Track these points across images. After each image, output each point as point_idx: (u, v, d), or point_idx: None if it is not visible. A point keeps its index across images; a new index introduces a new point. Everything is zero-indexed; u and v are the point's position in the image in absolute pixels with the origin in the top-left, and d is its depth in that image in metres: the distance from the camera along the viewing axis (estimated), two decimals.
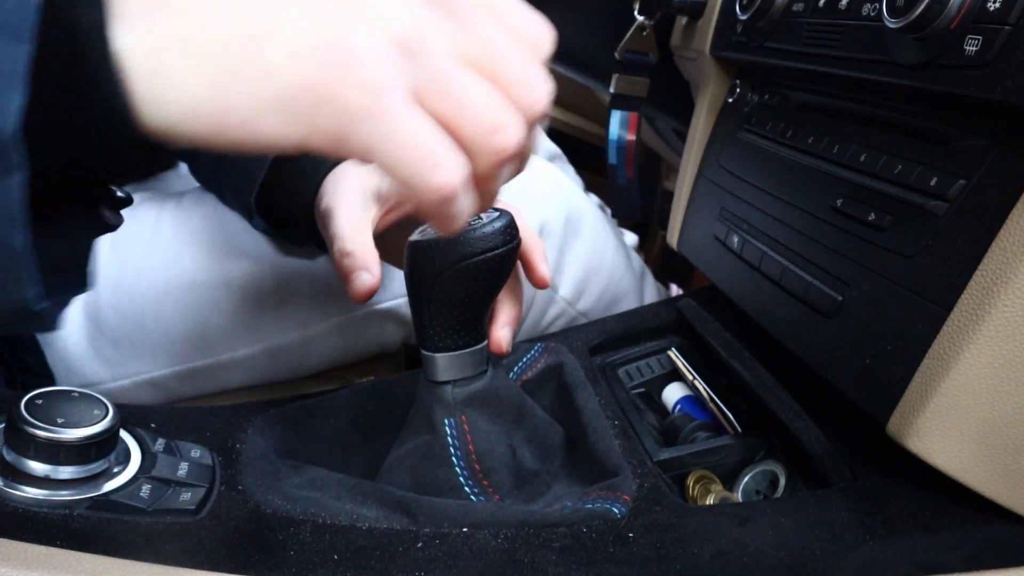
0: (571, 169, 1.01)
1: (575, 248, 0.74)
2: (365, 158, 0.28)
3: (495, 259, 0.40)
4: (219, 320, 0.62)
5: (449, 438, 0.43)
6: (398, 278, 0.65)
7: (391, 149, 0.28)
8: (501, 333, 0.48)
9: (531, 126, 0.31)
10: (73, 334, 0.61)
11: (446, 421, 0.43)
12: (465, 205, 0.30)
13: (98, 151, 0.27)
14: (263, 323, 0.63)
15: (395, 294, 0.67)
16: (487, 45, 0.30)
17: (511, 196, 0.64)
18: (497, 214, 0.42)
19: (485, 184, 0.31)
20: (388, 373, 0.72)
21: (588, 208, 0.77)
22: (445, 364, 0.43)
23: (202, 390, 0.65)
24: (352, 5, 0.27)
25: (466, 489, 0.43)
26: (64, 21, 0.25)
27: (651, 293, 0.84)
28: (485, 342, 0.44)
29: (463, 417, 0.43)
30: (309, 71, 0.27)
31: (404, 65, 0.28)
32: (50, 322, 0.28)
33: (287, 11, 0.27)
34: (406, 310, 0.67)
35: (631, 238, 1.15)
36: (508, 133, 0.29)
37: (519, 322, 0.67)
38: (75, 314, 0.61)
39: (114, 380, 0.62)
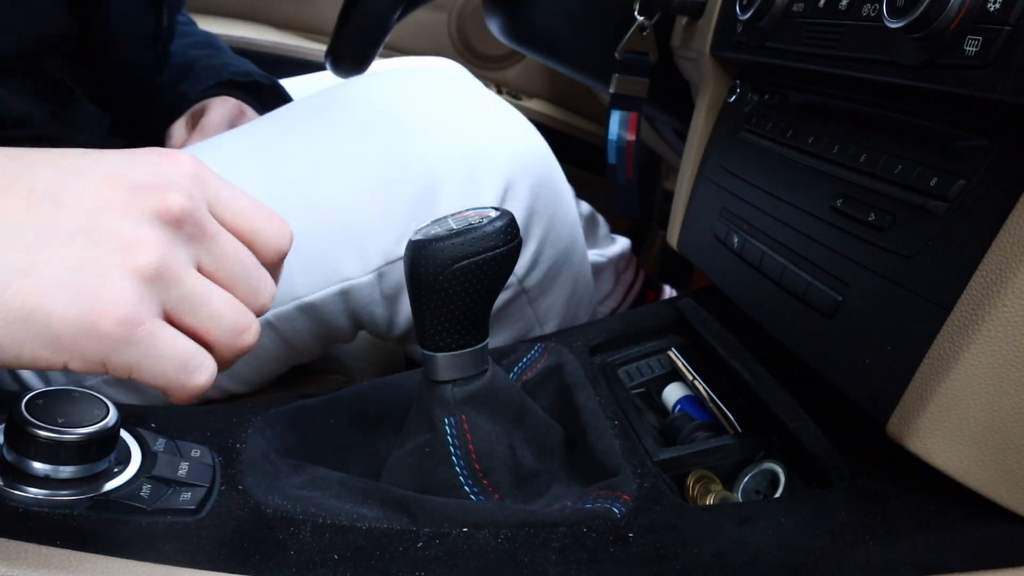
0: None
1: (542, 220, 0.65)
2: (129, 376, 0.33)
3: (495, 259, 0.40)
4: None
5: (449, 437, 0.43)
6: (366, 249, 0.59)
7: (150, 365, 0.32)
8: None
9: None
10: None
11: (446, 420, 0.43)
12: (214, 387, 0.38)
13: None
14: None
15: (352, 274, 0.61)
16: (227, 262, 0.35)
17: (472, 146, 0.61)
18: (497, 214, 0.42)
19: (224, 368, 0.37)
20: (388, 373, 0.72)
21: (557, 166, 0.68)
22: (445, 364, 0.43)
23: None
24: (102, 245, 0.31)
25: (466, 488, 0.43)
26: None
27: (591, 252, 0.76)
28: (485, 342, 0.44)
29: (463, 416, 0.43)
30: (66, 308, 0.30)
31: (153, 293, 0.32)
32: None
33: (46, 252, 0.31)
34: (370, 289, 0.61)
35: (623, 243, 1.13)
36: (251, 333, 0.36)
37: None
38: None
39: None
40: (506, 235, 0.41)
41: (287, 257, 0.42)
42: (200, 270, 0.35)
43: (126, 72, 0.71)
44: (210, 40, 0.93)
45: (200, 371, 0.34)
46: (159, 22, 0.75)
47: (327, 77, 0.87)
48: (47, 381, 0.60)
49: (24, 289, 0.30)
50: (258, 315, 0.37)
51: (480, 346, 0.43)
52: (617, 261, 1.08)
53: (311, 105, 0.66)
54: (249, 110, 0.81)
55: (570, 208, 0.69)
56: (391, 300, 0.63)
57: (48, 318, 0.30)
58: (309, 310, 0.61)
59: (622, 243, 1.12)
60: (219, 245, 0.35)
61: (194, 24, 0.97)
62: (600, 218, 1.11)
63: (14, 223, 0.31)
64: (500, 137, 0.63)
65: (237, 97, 0.82)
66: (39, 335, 0.30)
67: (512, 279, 0.66)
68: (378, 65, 1.03)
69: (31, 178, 0.32)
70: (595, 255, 1.05)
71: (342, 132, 0.62)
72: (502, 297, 0.67)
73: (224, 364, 0.36)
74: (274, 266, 0.39)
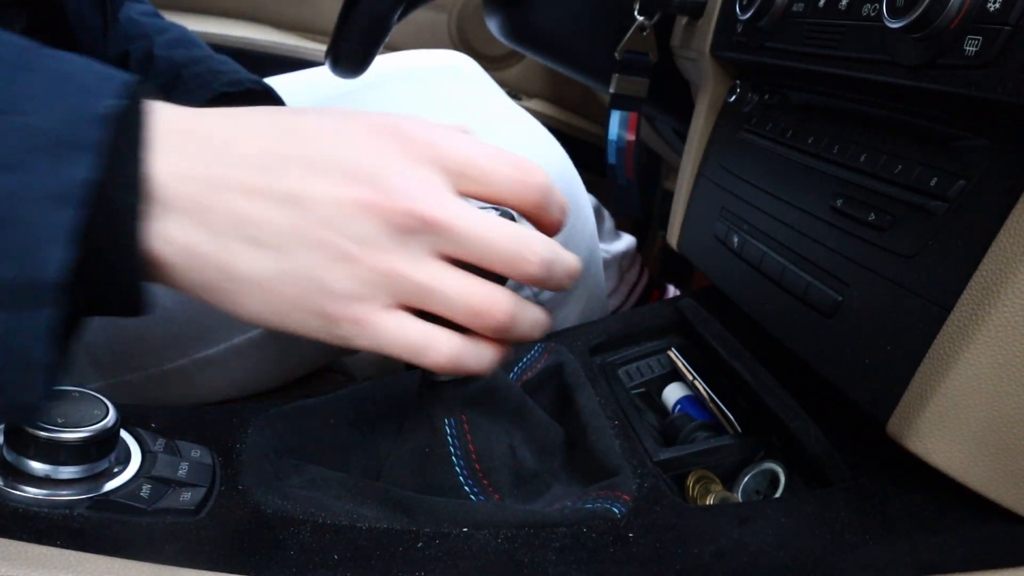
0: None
1: (560, 236, 0.64)
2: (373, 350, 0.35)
3: None
4: (136, 332, 0.59)
5: (449, 437, 0.43)
6: None
7: (382, 344, 0.34)
8: None
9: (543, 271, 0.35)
10: None
11: (446, 421, 0.43)
12: (475, 358, 0.36)
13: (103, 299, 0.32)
14: (182, 336, 0.60)
15: None
16: (465, 244, 0.34)
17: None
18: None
19: (511, 332, 0.36)
20: (388, 373, 0.72)
21: (576, 178, 0.69)
22: None
23: (160, 399, 0.62)
24: (335, 244, 0.33)
25: (466, 489, 0.43)
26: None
27: (603, 262, 0.78)
28: None
29: (463, 417, 0.43)
30: (301, 297, 0.33)
31: (381, 287, 0.33)
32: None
33: (295, 258, 0.33)
34: None
35: (628, 240, 1.13)
36: (495, 311, 0.34)
37: None
38: None
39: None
40: None
41: None
42: (444, 256, 0.34)
43: (83, 34, 0.69)
44: (185, 36, 0.90)
45: (430, 349, 0.34)
46: None
47: (322, 73, 0.86)
48: None
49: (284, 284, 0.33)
50: (529, 280, 0.35)
51: None
52: (621, 259, 1.08)
53: None
54: None
55: (588, 221, 0.69)
56: None
57: (282, 301, 0.33)
58: None
59: (627, 240, 1.11)
60: (459, 227, 0.34)
61: (159, 16, 0.95)
62: (606, 212, 1.10)
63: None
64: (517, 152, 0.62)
65: None
66: (278, 309, 0.33)
67: (527, 292, 0.67)
68: (391, 60, 1.03)
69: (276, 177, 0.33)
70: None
71: None
72: None
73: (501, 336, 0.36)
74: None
